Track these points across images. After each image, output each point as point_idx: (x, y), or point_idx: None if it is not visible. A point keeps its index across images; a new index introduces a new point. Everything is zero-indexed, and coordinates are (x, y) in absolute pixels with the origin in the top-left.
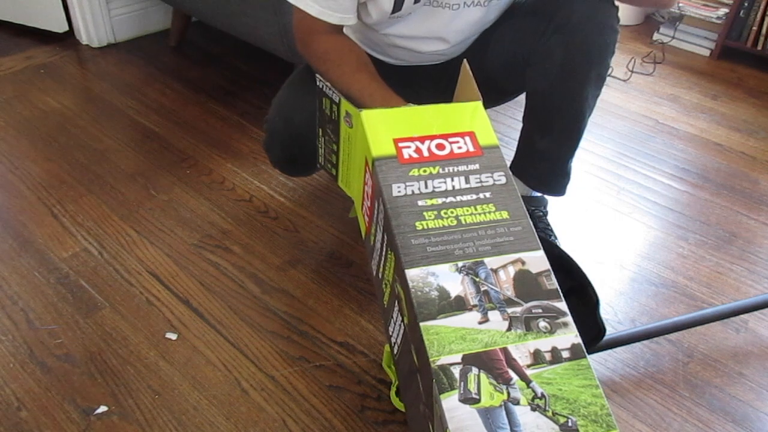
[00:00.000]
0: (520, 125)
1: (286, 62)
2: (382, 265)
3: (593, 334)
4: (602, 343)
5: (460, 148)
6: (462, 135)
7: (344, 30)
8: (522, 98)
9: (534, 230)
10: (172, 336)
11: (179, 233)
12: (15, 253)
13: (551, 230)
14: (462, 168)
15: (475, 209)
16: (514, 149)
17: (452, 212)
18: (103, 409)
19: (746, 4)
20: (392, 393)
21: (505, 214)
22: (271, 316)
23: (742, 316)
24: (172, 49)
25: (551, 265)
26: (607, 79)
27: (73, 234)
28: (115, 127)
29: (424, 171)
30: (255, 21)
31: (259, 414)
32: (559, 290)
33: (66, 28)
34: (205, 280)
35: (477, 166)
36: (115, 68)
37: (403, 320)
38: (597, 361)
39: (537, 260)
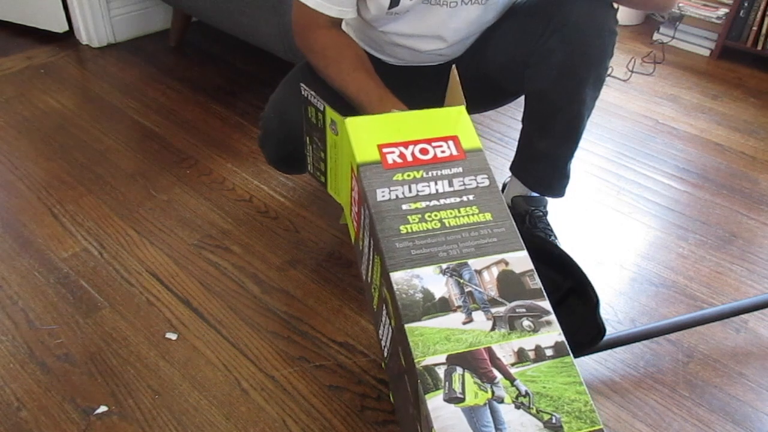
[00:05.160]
0: (520, 125)
1: (286, 62)
2: (370, 270)
3: (593, 334)
4: (602, 343)
5: (443, 152)
6: (445, 139)
7: (344, 29)
8: (522, 98)
9: (517, 231)
10: (172, 336)
11: (179, 233)
12: (15, 253)
13: (551, 230)
14: (445, 171)
15: (459, 212)
16: (514, 149)
17: (436, 215)
18: (103, 409)
19: (746, 4)
20: (391, 393)
21: (488, 216)
22: (271, 316)
23: (742, 316)
24: (172, 49)
25: (551, 265)
26: (607, 79)
27: (73, 234)
28: (115, 127)
29: (408, 175)
30: (255, 21)
31: (259, 414)
32: (543, 289)
33: (66, 28)
34: (205, 280)
35: (460, 170)
36: (115, 68)
37: (390, 323)
38: (597, 361)
39: (520, 260)
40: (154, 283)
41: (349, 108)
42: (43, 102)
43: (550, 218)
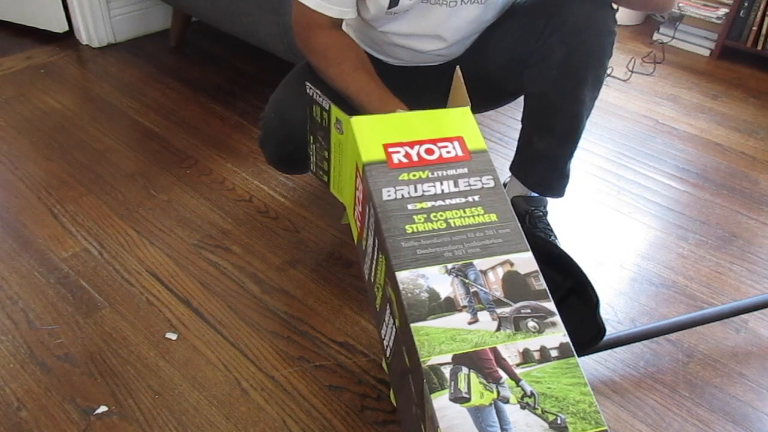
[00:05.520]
0: (520, 125)
1: (286, 62)
2: (373, 269)
3: (593, 334)
4: (602, 343)
5: (448, 152)
6: (451, 140)
7: (344, 29)
8: (522, 98)
9: (522, 232)
10: (172, 336)
11: (179, 233)
12: (15, 253)
13: (551, 230)
14: (451, 172)
15: (464, 212)
16: (514, 149)
17: (441, 215)
18: (103, 409)
19: (746, 4)
20: (392, 393)
21: (493, 217)
22: (271, 316)
23: (742, 316)
24: (172, 49)
25: (551, 265)
26: (607, 79)
27: (73, 234)
28: (115, 127)
29: (414, 175)
30: (255, 21)
31: (259, 414)
32: (548, 290)
33: (66, 28)
34: (205, 280)
35: (465, 170)
36: (115, 68)
37: (394, 322)
38: (597, 361)
39: (525, 261)
40: (154, 283)
41: (353, 108)
42: (43, 102)
43: (550, 218)
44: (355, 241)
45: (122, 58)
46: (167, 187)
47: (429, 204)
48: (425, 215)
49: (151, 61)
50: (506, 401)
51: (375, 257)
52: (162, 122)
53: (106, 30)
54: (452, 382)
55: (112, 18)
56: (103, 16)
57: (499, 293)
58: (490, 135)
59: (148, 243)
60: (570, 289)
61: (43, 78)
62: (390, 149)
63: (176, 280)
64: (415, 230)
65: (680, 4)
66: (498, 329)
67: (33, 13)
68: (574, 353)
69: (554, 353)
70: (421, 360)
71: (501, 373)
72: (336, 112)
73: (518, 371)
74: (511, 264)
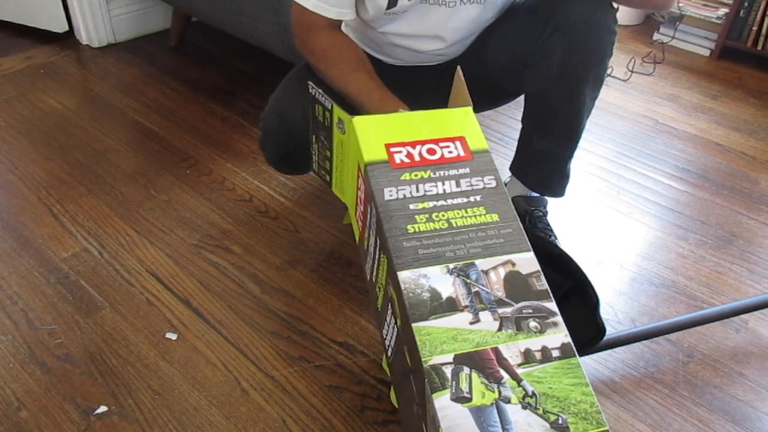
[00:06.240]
0: (520, 125)
1: (286, 62)
2: (375, 269)
3: (593, 334)
4: (602, 343)
5: (450, 152)
6: (452, 140)
7: (344, 30)
8: (522, 98)
9: (524, 232)
10: (172, 336)
11: (179, 233)
12: (15, 253)
13: (551, 230)
14: (453, 172)
15: (466, 212)
16: (514, 149)
17: (443, 215)
18: (103, 409)
19: (746, 4)
20: (392, 393)
21: (495, 217)
22: (271, 316)
23: (742, 316)
24: (172, 49)
25: (551, 265)
26: (607, 79)
27: (73, 234)
28: (115, 127)
29: (416, 175)
30: (255, 21)
31: (259, 414)
32: (549, 291)
33: (66, 28)
34: (205, 280)
35: (467, 170)
36: (115, 68)
37: (396, 322)
38: (597, 361)
39: (527, 261)
40: (154, 283)
41: (353, 108)
42: (43, 102)
43: (550, 218)
44: (357, 241)
45: (122, 58)
46: (167, 187)
47: (431, 204)
48: (427, 215)
49: (151, 61)
50: (508, 401)
51: (377, 257)
52: (162, 122)
53: (106, 30)
54: (454, 382)
55: (112, 18)
56: (103, 16)
57: (500, 293)
58: (490, 135)
59: (148, 243)
60: (570, 289)
61: (43, 78)
62: (392, 149)
63: (176, 280)
64: (417, 230)
65: (680, 4)
66: (499, 329)
67: (33, 13)
68: (576, 353)
69: (556, 353)
70: (423, 360)
71: (502, 373)
72: (338, 112)
73: (520, 371)
74: (513, 264)
